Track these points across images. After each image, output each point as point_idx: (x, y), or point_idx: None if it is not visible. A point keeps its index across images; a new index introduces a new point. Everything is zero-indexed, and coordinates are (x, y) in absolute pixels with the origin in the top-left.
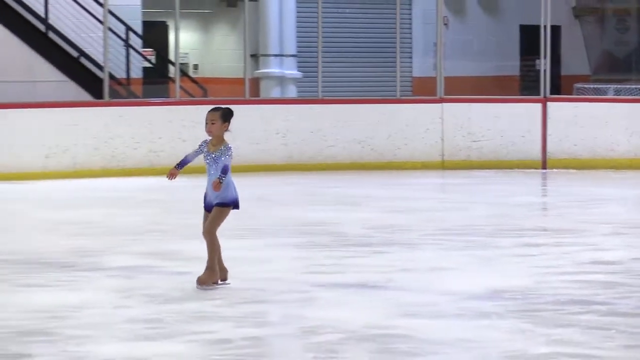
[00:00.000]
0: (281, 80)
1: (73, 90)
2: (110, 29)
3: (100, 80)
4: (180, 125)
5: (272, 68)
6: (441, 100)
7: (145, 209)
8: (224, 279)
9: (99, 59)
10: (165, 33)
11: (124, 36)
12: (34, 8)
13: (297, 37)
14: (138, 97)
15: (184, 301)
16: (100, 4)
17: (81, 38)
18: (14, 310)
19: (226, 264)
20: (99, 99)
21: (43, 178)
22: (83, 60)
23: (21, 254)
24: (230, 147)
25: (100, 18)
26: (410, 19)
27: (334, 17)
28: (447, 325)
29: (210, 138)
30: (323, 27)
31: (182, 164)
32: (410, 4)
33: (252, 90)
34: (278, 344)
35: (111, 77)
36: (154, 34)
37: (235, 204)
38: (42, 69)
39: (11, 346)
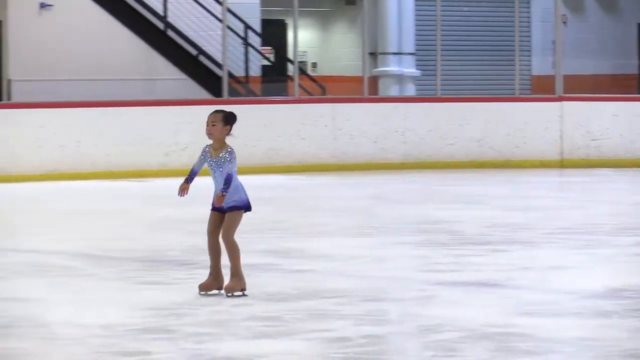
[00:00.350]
0: (400, 78)
1: (192, 88)
2: (229, 27)
3: (219, 79)
4: (299, 123)
5: (391, 66)
6: (560, 99)
7: (264, 207)
8: (219, 288)
9: (218, 57)
10: (284, 31)
11: (242, 34)
12: (153, 7)
13: (416, 35)
14: (257, 95)
15: (303, 299)
16: (220, 2)
17: (200, 36)
18: (133, 308)
19: (345, 262)
20: (218, 97)
21: (162, 176)
22: (202, 59)
23: (141, 252)
24: (233, 151)
25: (219, 16)
26: (529, 17)
27: (453, 15)
28: (566, 324)
29: (211, 142)
30: (442, 26)
31: (191, 177)
32: (528, 3)
33: (370, 89)
34: (397, 342)
35: (230, 75)
36: (273, 32)
37: (247, 207)
38: (161, 68)
39: (131, 343)
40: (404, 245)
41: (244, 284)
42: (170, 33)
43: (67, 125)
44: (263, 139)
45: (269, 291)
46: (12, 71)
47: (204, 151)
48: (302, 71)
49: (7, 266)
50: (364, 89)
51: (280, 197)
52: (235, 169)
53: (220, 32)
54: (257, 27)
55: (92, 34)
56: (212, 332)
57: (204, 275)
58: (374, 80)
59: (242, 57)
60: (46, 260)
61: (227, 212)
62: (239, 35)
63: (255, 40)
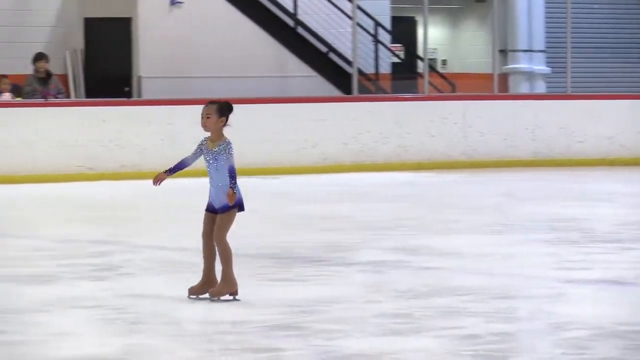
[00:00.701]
0: (530, 75)
1: (322, 85)
2: (359, 25)
3: (348, 76)
4: (428, 120)
5: (521, 64)
6: None
7: (394, 204)
8: (235, 291)
9: (348, 54)
10: (413, 28)
11: (372, 31)
12: (283, 4)
13: (546, 32)
14: (387, 93)
15: (433, 296)
16: (350, 0)
17: (330, 34)
18: (264, 304)
19: (475, 259)
20: (348, 94)
21: (292, 173)
22: (332, 56)
23: (271, 249)
24: (230, 144)
25: (349, 13)
26: None
27: (583, 12)
28: None
29: (208, 135)
30: (572, 22)
31: (174, 169)
32: None
33: (500, 86)
34: (527, 340)
35: (360, 72)
36: (403, 30)
37: (240, 206)
38: (292, 65)
39: (261, 340)
40: (533, 242)
41: (235, 288)
42: (301, 30)
43: (198, 122)
44: (392, 136)
45: (399, 288)
46: (142, 68)
47: (200, 144)
48: (432, 68)
49: (137, 262)
50: (494, 86)
51: (409, 195)
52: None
53: (350, 30)
54: (387, 24)
55: (222, 31)
56: (342, 329)
57: (334, 272)
58: (504, 78)
59: (372, 55)
60: (176, 257)
61: (219, 213)
62: (369, 33)
63: (385, 37)
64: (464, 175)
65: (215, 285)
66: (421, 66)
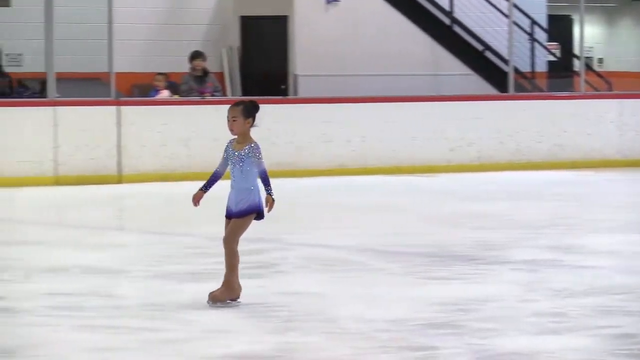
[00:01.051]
0: None
1: (477, 83)
2: (515, 23)
3: (504, 74)
4: (584, 118)
5: None
6: None
7: (549, 203)
8: (236, 297)
9: (504, 52)
10: (569, 27)
11: (528, 30)
12: (439, 2)
13: None
14: (543, 91)
15: (589, 295)
16: None
17: (486, 32)
18: (421, 303)
19: (630, 258)
20: (504, 92)
21: (448, 171)
22: (487, 54)
23: (427, 247)
24: (258, 146)
25: (506, 12)
26: None
27: None
28: None
29: (234, 137)
30: None
31: (209, 184)
32: None
33: None
34: None
35: (516, 70)
36: (559, 28)
37: (258, 212)
38: (447, 63)
39: (418, 338)
40: None
41: (235, 294)
42: (456, 28)
43: (353, 120)
44: (548, 134)
45: (555, 287)
46: (298, 66)
47: (226, 147)
48: (588, 67)
49: (293, 260)
50: None
51: (565, 194)
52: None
53: (506, 28)
54: (543, 22)
55: (378, 29)
56: (498, 328)
57: (489, 270)
58: None
59: (528, 53)
60: (332, 255)
61: (234, 217)
62: (525, 31)
63: (541, 35)
64: (620, 174)
65: (237, 290)
66: (577, 65)
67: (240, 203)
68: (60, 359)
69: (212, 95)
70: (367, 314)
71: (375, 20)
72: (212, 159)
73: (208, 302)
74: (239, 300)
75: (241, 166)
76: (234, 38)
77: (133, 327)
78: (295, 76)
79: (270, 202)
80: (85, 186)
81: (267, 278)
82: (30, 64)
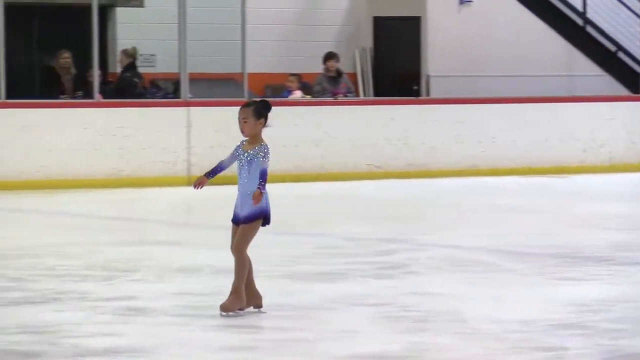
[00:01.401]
0: None
1: (610, 84)
2: None
3: (637, 75)
4: None
5: None
6: None
7: None
8: (258, 305)
9: (637, 53)
10: None
11: None
12: (572, 3)
13: None
14: None
15: None
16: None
17: (619, 32)
18: (551, 303)
19: None
20: (636, 93)
21: (580, 172)
22: (620, 55)
23: (559, 248)
24: (267, 147)
25: (638, 12)
26: None
27: None
28: None
29: (245, 138)
30: None
31: (213, 172)
32: None
33: None
34: None
35: None
36: None
37: (265, 217)
38: (580, 63)
39: (548, 339)
40: None
41: (243, 303)
42: (589, 29)
43: (485, 120)
44: None
45: None
46: (431, 67)
47: (236, 147)
48: None
49: (425, 261)
50: None
51: None
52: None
53: (639, 29)
54: None
55: (511, 30)
56: (628, 329)
57: (619, 271)
58: None
59: None
60: (463, 256)
61: (241, 223)
62: None
63: None
64: None
65: (258, 296)
66: None
67: (247, 208)
68: (195, 359)
69: (345, 96)
70: (498, 314)
71: (507, 21)
72: (346, 160)
73: (220, 313)
74: (263, 309)
75: (248, 168)
76: (367, 39)
77: (264, 326)
78: (428, 77)
79: (257, 195)
80: (218, 186)
81: (398, 279)
82: (164, 65)
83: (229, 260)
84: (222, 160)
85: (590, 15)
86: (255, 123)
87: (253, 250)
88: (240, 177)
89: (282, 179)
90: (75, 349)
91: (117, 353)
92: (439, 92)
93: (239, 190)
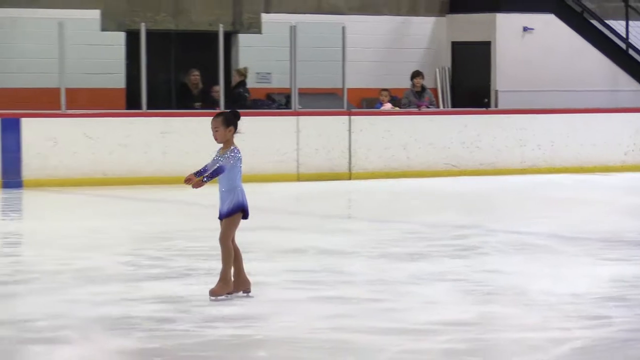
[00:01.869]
0: None
1: None
2: None
3: None
4: None
5: None
6: None
7: None
8: (247, 290)
9: None
10: None
11: None
12: (616, 29)
13: None
14: None
15: None
16: None
17: None
18: (598, 279)
19: None
20: None
21: (623, 171)
22: None
23: (604, 233)
24: (234, 150)
25: None
26: None
27: None
28: None
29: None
30: None
31: (199, 172)
32: None
33: None
34: None
35: None
36: None
37: (244, 210)
38: (622, 80)
39: (595, 309)
40: None
41: (231, 288)
42: (631, 52)
43: (544, 128)
44: None
45: None
46: (499, 83)
47: (216, 153)
48: None
49: (493, 244)
50: None
51: None
52: (240, 171)
53: None
54: None
55: (566, 52)
56: None
57: None
58: None
59: None
60: (525, 240)
61: (223, 218)
62: None
63: None
64: None
65: (247, 282)
66: None
67: (226, 204)
68: (302, 324)
69: (428, 108)
70: (553, 288)
71: (562, 44)
72: (429, 161)
73: (210, 297)
74: (251, 294)
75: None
76: (446, 60)
77: (361, 298)
78: (496, 92)
79: (196, 181)
80: (321, 182)
81: (471, 259)
82: (277, 81)
83: (332, 243)
84: (207, 164)
85: (631, 39)
86: (225, 131)
87: (355, 235)
88: (219, 180)
89: (374, 175)
90: (201, 315)
91: (237, 320)
92: (505, 104)
93: (220, 191)
